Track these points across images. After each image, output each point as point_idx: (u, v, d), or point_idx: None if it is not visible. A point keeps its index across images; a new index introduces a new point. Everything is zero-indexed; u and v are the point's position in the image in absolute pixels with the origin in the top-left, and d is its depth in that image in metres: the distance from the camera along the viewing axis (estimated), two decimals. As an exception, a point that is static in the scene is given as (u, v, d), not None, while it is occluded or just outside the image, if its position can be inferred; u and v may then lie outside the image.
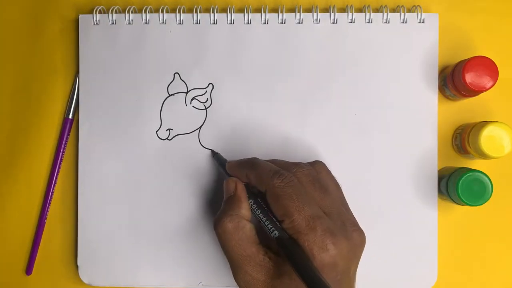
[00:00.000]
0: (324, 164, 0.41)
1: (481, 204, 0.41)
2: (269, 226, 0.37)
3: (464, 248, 0.46)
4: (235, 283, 0.38)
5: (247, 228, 0.38)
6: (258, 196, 0.39)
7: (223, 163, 0.43)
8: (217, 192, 0.46)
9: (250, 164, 0.40)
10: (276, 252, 0.37)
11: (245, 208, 0.38)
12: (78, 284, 0.47)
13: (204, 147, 0.46)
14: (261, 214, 0.38)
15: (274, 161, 0.40)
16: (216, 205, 0.46)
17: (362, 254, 0.45)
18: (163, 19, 0.46)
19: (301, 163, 0.40)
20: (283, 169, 0.38)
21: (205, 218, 0.46)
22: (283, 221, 0.36)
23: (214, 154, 0.45)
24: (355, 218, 0.39)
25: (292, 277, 0.35)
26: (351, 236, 0.37)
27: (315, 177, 0.39)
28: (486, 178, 0.41)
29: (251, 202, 0.39)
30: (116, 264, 0.46)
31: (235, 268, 0.37)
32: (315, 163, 0.41)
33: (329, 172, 0.41)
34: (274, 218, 0.37)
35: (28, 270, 0.48)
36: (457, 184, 0.41)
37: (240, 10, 0.47)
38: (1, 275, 0.48)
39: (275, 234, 0.36)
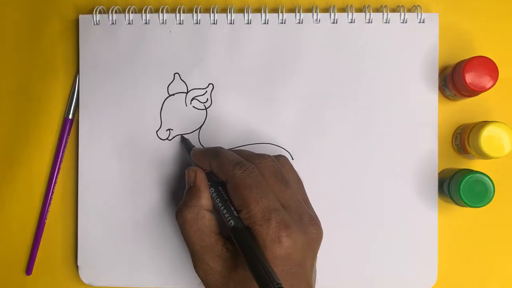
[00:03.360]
0: (287, 159, 0.41)
1: (483, 206, 0.41)
2: (226, 215, 0.37)
3: (464, 248, 0.46)
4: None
5: (206, 218, 0.38)
6: (220, 185, 0.39)
7: (190, 149, 0.43)
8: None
9: (214, 153, 0.40)
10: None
11: (205, 198, 0.39)
12: (78, 284, 0.47)
13: (204, 147, 0.46)
14: (220, 203, 0.38)
15: (239, 152, 0.40)
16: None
17: (359, 254, 0.45)
18: (163, 19, 0.46)
19: (266, 154, 0.39)
20: (247, 160, 0.38)
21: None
22: (240, 211, 0.36)
23: (183, 140, 0.45)
24: (314, 213, 0.39)
25: (247, 268, 0.35)
26: (307, 229, 0.36)
27: (278, 169, 0.39)
28: (488, 180, 0.41)
29: (211, 190, 0.39)
30: (116, 264, 0.46)
31: (195, 258, 0.37)
32: (279, 156, 0.41)
33: (291, 167, 0.41)
34: (232, 208, 0.37)
35: (28, 270, 0.48)
36: (459, 186, 0.41)
37: (240, 10, 0.47)
38: (1, 275, 0.48)
39: (231, 223, 0.36)
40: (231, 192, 0.37)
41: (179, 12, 0.46)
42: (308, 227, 0.36)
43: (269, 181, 0.37)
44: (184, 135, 0.46)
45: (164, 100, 0.46)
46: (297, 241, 0.35)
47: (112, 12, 0.46)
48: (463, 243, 0.46)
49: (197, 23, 0.46)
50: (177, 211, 0.39)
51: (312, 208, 0.40)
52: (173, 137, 0.46)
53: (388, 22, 0.45)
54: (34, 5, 0.49)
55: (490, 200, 0.41)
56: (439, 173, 0.45)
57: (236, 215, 0.36)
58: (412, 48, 0.45)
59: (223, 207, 0.37)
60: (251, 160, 0.38)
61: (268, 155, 0.40)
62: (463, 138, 0.44)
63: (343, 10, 0.46)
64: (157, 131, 0.46)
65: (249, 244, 0.34)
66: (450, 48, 0.46)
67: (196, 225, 0.37)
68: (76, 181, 0.47)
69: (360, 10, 0.47)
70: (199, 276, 0.38)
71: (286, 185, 0.38)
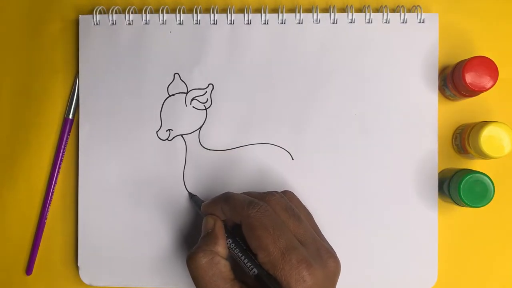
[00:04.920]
0: (294, 193, 0.42)
1: (483, 206, 0.41)
2: (248, 264, 0.36)
3: (464, 248, 0.46)
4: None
5: (221, 264, 0.37)
6: (236, 236, 0.39)
7: (200, 205, 0.42)
8: (219, 193, 0.46)
9: (224, 198, 0.39)
10: (251, 286, 0.37)
11: (221, 245, 0.38)
12: (78, 284, 0.47)
13: (204, 147, 0.46)
14: (239, 253, 0.37)
15: (247, 193, 0.40)
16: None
17: (360, 254, 0.45)
18: (163, 20, 0.46)
19: (273, 191, 0.40)
20: (257, 199, 0.38)
21: (205, 218, 0.46)
22: (257, 254, 0.36)
23: (192, 196, 0.45)
24: (329, 245, 0.39)
25: None
26: (326, 263, 0.36)
27: (288, 204, 0.39)
28: (488, 180, 0.41)
29: (229, 241, 0.38)
30: (116, 264, 0.46)
31: None
32: (285, 192, 0.41)
33: (299, 201, 0.42)
34: (252, 256, 0.37)
35: (28, 270, 0.48)
36: (459, 186, 0.41)
37: (240, 10, 0.47)
38: (1, 275, 0.48)
39: (254, 272, 0.36)
40: (246, 233, 0.37)
41: (179, 12, 0.46)
42: (327, 261, 0.37)
43: (281, 217, 0.37)
44: (191, 193, 0.46)
45: (164, 101, 0.46)
46: (318, 277, 0.35)
47: (112, 13, 0.46)
48: (463, 243, 0.46)
49: (197, 23, 0.46)
50: (189, 255, 0.37)
51: (325, 239, 0.40)
52: (173, 137, 0.46)
53: (388, 22, 0.45)
54: (34, 5, 0.49)
55: (490, 200, 0.41)
56: (439, 173, 0.45)
57: (257, 263, 0.36)
58: (412, 48, 0.45)
59: (243, 257, 0.37)
60: (260, 198, 0.38)
61: (276, 191, 0.40)
62: (463, 138, 0.44)
63: (343, 10, 0.46)
64: (157, 131, 0.46)
65: None
66: (450, 48, 0.46)
67: (211, 270, 0.36)
68: (76, 181, 0.47)
69: (360, 10, 0.47)
70: None
71: (299, 220, 0.38)
